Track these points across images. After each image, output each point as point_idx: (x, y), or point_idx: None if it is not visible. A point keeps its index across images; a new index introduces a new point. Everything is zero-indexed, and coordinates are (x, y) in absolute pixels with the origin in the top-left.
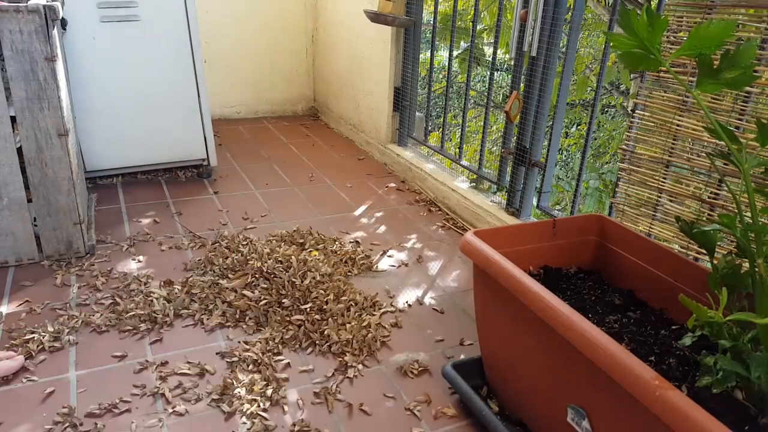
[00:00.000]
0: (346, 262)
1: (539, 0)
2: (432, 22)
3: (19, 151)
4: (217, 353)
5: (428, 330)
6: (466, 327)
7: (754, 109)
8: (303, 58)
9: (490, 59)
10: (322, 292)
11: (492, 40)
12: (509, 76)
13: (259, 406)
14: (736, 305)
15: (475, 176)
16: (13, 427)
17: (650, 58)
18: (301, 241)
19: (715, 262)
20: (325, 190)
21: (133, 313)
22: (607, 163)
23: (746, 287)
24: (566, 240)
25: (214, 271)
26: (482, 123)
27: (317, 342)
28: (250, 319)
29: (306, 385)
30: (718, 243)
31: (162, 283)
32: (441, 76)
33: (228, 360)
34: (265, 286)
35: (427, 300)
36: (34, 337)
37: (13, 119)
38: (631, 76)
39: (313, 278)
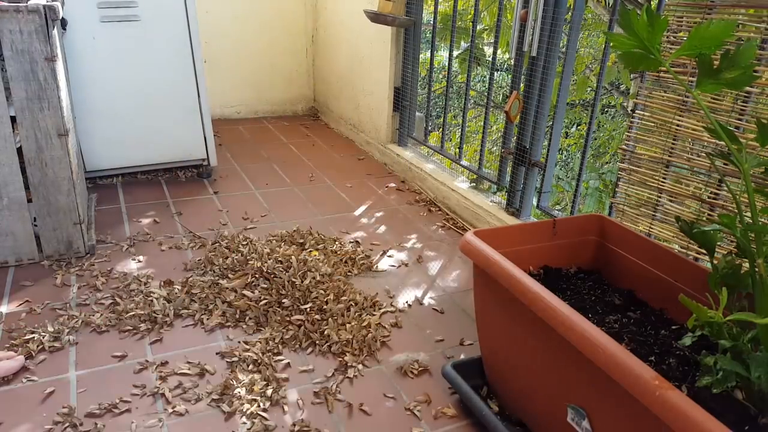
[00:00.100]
0: (346, 262)
1: (539, 0)
2: (432, 22)
3: (19, 151)
4: (217, 353)
5: (428, 330)
6: (466, 327)
7: (754, 109)
8: (303, 58)
9: (490, 59)
10: (322, 292)
11: (492, 40)
12: (509, 76)
13: (259, 406)
14: (736, 305)
15: (475, 176)
16: (13, 427)
17: (650, 58)
18: (301, 241)
19: (715, 262)
20: (325, 190)
21: (133, 313)
22: (607, 163)
23: (746, 287)
24: (566, 240)
25: (214, 271)
26: (482, 123)
27: (317, 342)
28: (250, 319)
29: (306, 385)
30: (718, 243)
31: (162, 283)
32: (441, 76)
33: (228, 360)
34: (265, 286)
35: (427, 300)
36: (34, 337)
37: (13, 119)
38: (631, 76)
39: (313, 278)
